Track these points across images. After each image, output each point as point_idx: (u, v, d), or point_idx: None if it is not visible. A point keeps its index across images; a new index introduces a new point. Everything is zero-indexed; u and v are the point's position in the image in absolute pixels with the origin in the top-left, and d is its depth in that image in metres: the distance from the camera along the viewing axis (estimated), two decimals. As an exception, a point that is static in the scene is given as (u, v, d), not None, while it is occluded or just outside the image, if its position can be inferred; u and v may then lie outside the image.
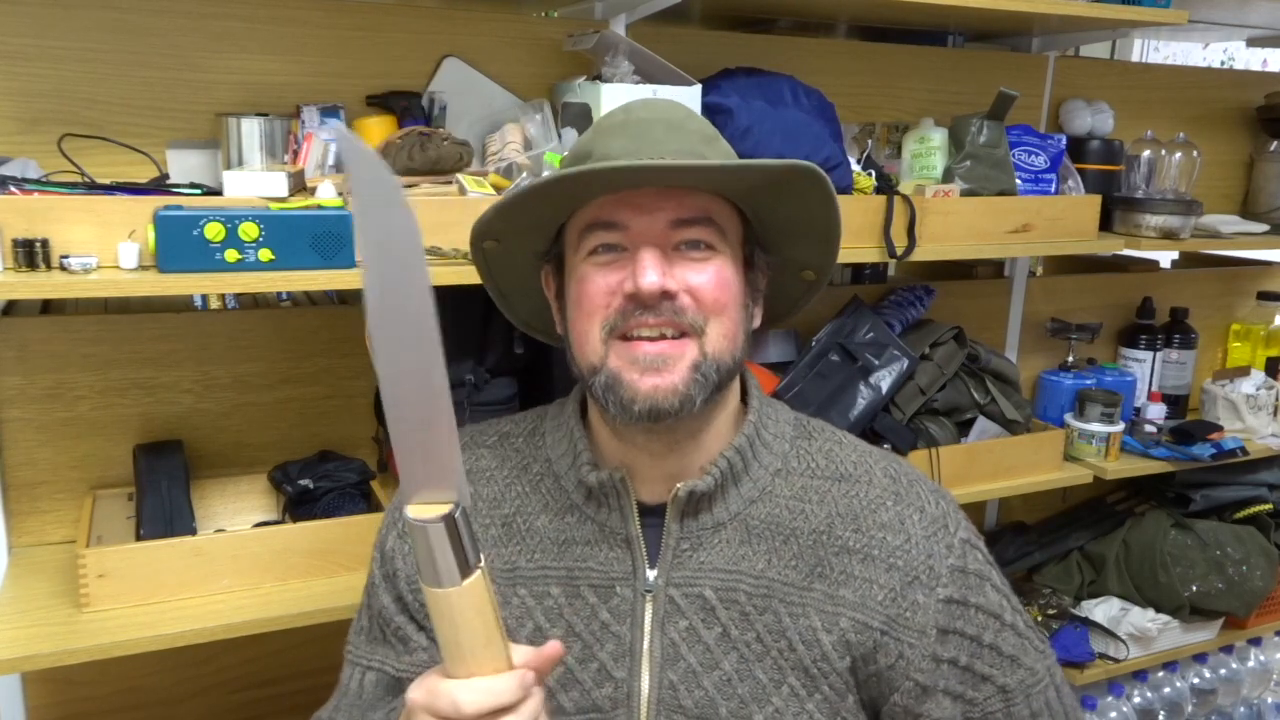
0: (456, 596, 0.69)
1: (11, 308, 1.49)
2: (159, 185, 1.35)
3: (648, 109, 0.93)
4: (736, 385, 0.97)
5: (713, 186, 0.89)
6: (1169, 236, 1.97)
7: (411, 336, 0.64)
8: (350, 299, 1.68)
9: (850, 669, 0.91)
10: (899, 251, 1.64)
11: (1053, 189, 1.88)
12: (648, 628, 0.92)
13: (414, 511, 0.68)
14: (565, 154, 1.46)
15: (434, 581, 0.69)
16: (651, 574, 0.92)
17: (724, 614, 0.91)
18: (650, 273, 0.85)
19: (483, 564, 0.70)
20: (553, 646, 0.76)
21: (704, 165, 0.85)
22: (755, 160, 0.87)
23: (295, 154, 1.43)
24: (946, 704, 0.93)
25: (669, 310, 0.86)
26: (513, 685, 0.71)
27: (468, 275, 1.32)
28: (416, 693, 0.73)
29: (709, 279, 0.88)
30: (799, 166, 0.87)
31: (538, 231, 0.94)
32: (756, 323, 0.97)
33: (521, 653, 0.74)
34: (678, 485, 0.92)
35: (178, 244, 1.18)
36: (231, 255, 1.20)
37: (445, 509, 0.68)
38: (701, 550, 0.92)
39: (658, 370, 0.86)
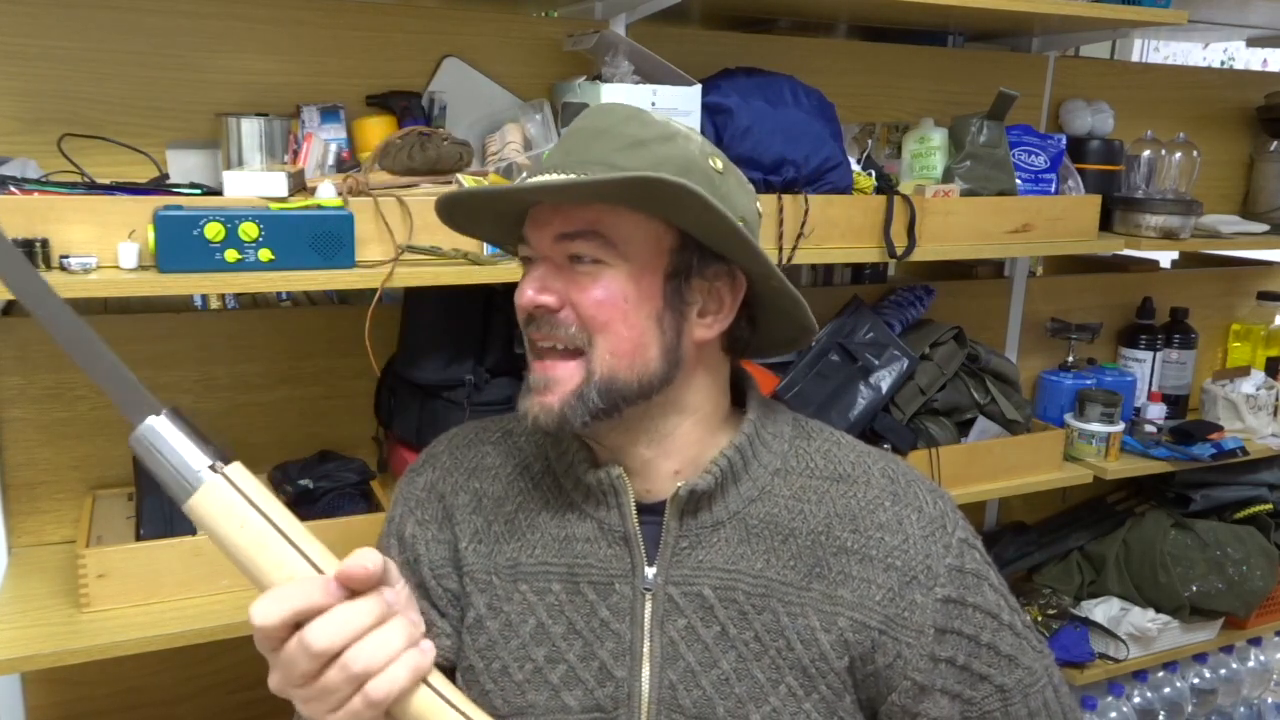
0: (199, 505, 0.67)
1: (11, 308, 1.49)
2: (159, 185, 1.35)
3: (591, 116, 0.92)
4: (709, 384, 0.95)
5: (593, 198, 0.87)
6: (1169, 236, 1.97)
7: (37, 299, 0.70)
8: (351, 299, 1.68)
9: (848, 669, 0.91)
10: (899, 251, 1.64)
11: (1053, 189, 1.88)
12: (647, 626, 0.92)
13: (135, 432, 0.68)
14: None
15: (182, 494, 0.68)
16: (650, 572, 0.93)
17: (722, 613, 0.91)
18: (526, 289, 0.88)
19: (227, 468, 0.68)
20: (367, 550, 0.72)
21: (541, 184, 0.86)
22: (594, 179, 0.83)
23: (295, 154, 1.43)
24: (944, 703, 0.93)
25: (548, 324, 0.89)
26: (312, 587, 0.68)
27: (467, 275, 1.33)
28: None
29: (590, 295, 0.87)
30: (633, 181, 0.83)
31: (498, 232, 0.98)
32: (709, 334, 0.92)
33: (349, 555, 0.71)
34: (678, 484, 0.92)
35: (178, 244, 1.18)
36: (231, 255, 1.20)
37: (154, 416, 0.68)
38: (700, 549, 0.93)
39: (540, 391, 0.90)
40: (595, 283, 0.87)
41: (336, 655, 0.69)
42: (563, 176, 0.85)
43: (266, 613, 0.68)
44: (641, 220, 0.88)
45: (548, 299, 0.88)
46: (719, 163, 0.90)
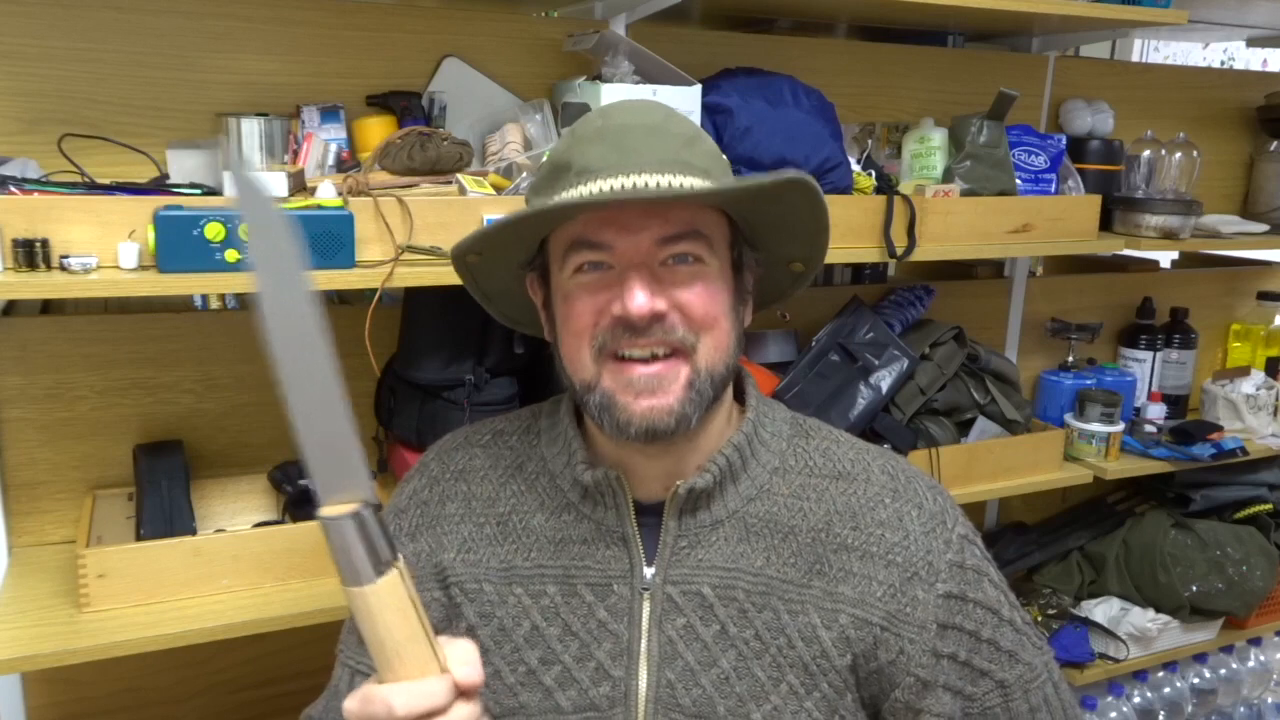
0: (373, 595, 0.69)
1: (11, 308, 1.49)
2: (159, 185, 1.35)
3: (626, 113, 0.90)
4: (730, 384, 0.97)
5: (735, 201, 0.89)
6: (1169, 236, 1.97)
7: (303, 342, 0.69)
8: (351, 299, 1.68)
9: (850, 666, 0.91)
10: (899, 251, 1.64)
11: (1053, 189, 1.88)
12: (645, 626, 0.92)
13: (326, 511, 0.69)
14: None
15: (352, 580, 0.69)
16: (649, 572, 0.92)
17: (722, 611, 0.91)
18: (639, 296, 0.84)
19: (400, 563, 0.71)
20: (470, 650, 0.75)
21: (691, 192, 0.83)
22: (744, 182, 0.84)
23: (295, 154, 1.43)
24: (946, 699, 0.93)
25: (659, 330, 0.86)
26: (444, 687, 0.71)
27: (468, 275, 1.33)
28: (351, 703, 0.73)
29: (698, 295, 0.87)
30: (790, 181, 0.85)
31: (519, 245, 0.93)
32: (748, 321, 0.96)
33: (456, 655, 0.74)
34: (677, 483, 0.92)
35: (178, 244, 1.18)
36: (231, 255, 1.20)
37: (354, 506, 0.69)
38: (699, 548, 0.92)
39: (652, 392, 0.86)
40: (701, 282, 0.87)
41: None
42: (655, 178, 0.83)
43: (409, 706, 0.70)
44: (717, 217, 0.90)
45: (661, 305, 0.85)
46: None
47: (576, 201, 0.83)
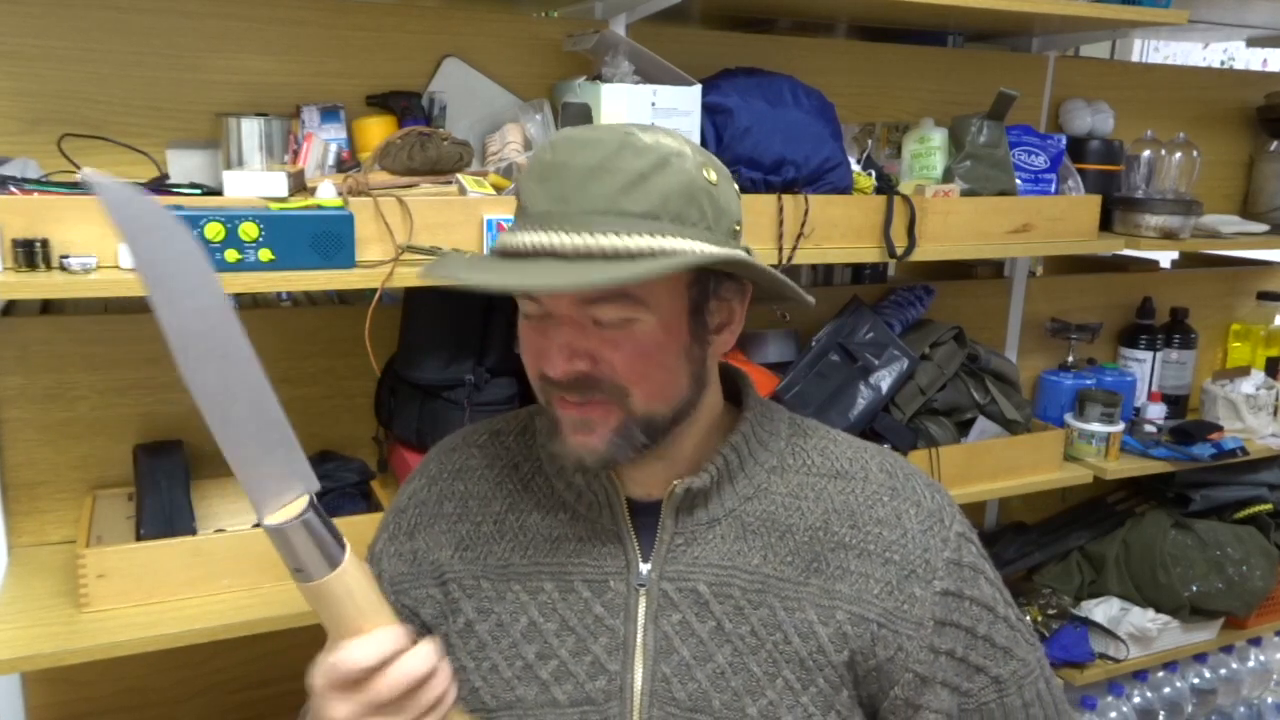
0: (333, 582, 0.72)
1: (11, 308, 1.49)
2: (159, 185, 1.35)
3: (573, 149, 0.83)
4: (713, 391, 0.96)
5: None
6: (1169, 236, 1.97)
7: (217, 350, 0.65)
8: (351, 299, 1.68)
9: (848, 663, 0.91)
10: (899, 251, 1.64)
11: (1053, 189, 1.88)
12: (641, 621, 0.92)
13: (272, 519, 0.69)
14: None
15: (307, 577, 0.71)
16: (645, 568, 0.93)
17: (718, 607, 0.92)
18: (556, 361, 0.84)
19: (347, 546, 0.73)
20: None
21: (570, 288, 0.81)
22: (644, 269, 0.78)
23: (295, 154, 1.43)
24: (944, 695, 0.94)
25: (584, 384, 0.86)
26: (401, 633, 0.76)
27: (468, 275, 1.33)
28: (315, 676, 0.76)
29: (624, 353, 0.85)
30: (652, 271, 0.79)
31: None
32: (725, 348, 0.94)
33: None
34: (675, 483, 0.92)
35: (178, 244, 1.18)
36: (231, 255, 1.20)
37: (299, 508, 0.70)
38: (696, 545, 0.93)
39: (581, 430, 0.87)
40: (628, 340, 0.85)
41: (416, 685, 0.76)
42: (571, 238, 0.80)
43: (371, 653, 0.74)
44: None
45: (582, 365, 0.84)
46: (713, 174, 0.87)
47: (480, 287, 0.81)
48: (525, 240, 0.82)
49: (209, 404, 0.67)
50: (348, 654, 0.74)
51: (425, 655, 0.77)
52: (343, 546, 0.73)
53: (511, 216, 1.36)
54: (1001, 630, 0.97)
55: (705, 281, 0.89)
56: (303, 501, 0.70)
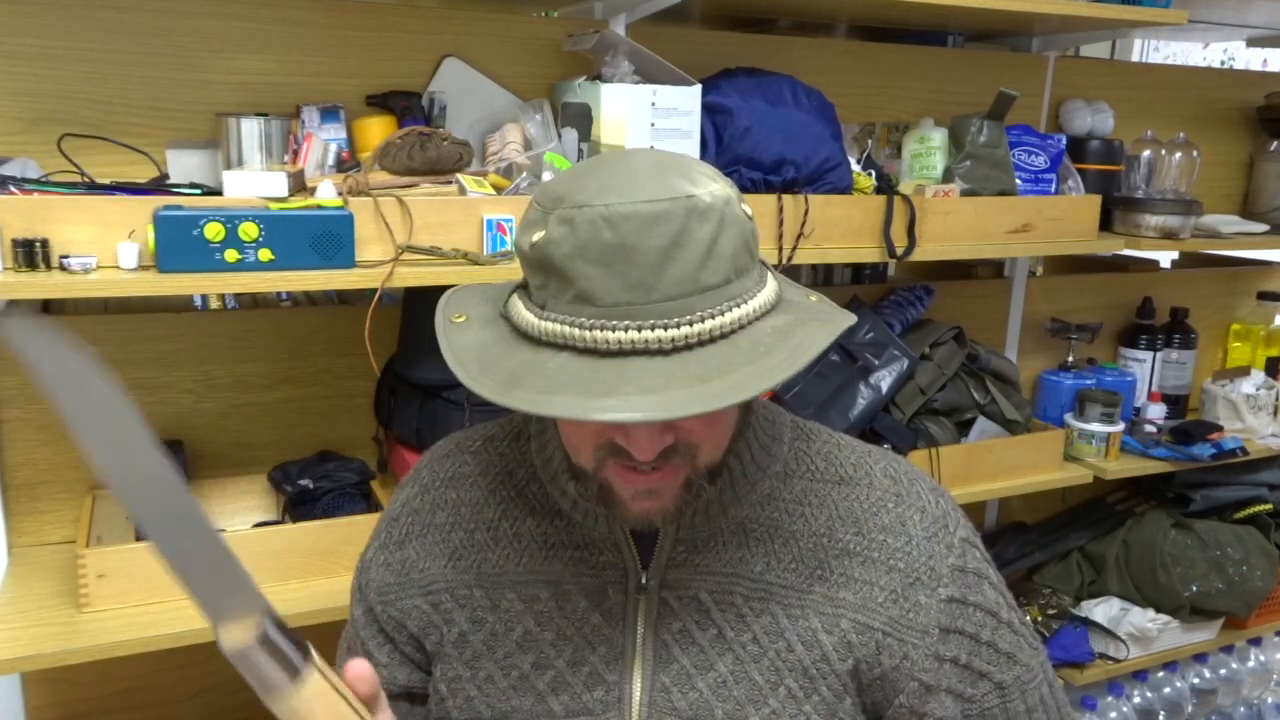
0: (295, 698, 0.70)
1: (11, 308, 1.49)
2: (159, 185, 1.35)
3: (640, 230, 0.75)
4: None
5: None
6: (1169, 236, 1.97)
7: (154, 489, 0.66)
8: (351, 299, 1.68)
9: (852, 671, 0.91)
10: (899, 251, 1.64)
11: (1053, 189, 1.88)
12: (640, 630, 0.91)
13: (229, 642, 0.69)
14: (562, 154, 1.46)
15: (270, 693, 0.70)
16: (644, 576, 0.92)
17: (719, 615, 0.91)
18: (645, 446, 0.80)
19: (311, 654, 0.71)
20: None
21: (687, 415, 0.74)
22: (735, 394, 0.74)
23: (295, 154, 1.43)
24: (948, 702, 0.93)
25: (663, 455, 0.83)
26: None
27: (467, 275, 1.33)
28: None
29: (709, 431, 0.84)
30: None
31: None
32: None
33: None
34: None
35: (177, 244, 1.18)
36: (231, 255, 1.20)
37: (255, 628, 0.69)
38: (697, 553, 0.92)
39: (649, 497, 0.85)
40: (713, 425, 0.84)
41: None
42: (670, 332, 0.75)
43: None
44: None
45: (669, 440, 0.81)
46: (748, 206, 0.83)
47: (577, 418, 0.74)
48: (610, 337, 0.75)
49: (154, 537, 0.68)
50: None
51: None
52: (304, 659, 0.71)
53: (511, 217, 1.36)
54: (1005, 636, 0.96)
55: None
56: (255, 622, 0.70)
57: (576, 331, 0.76)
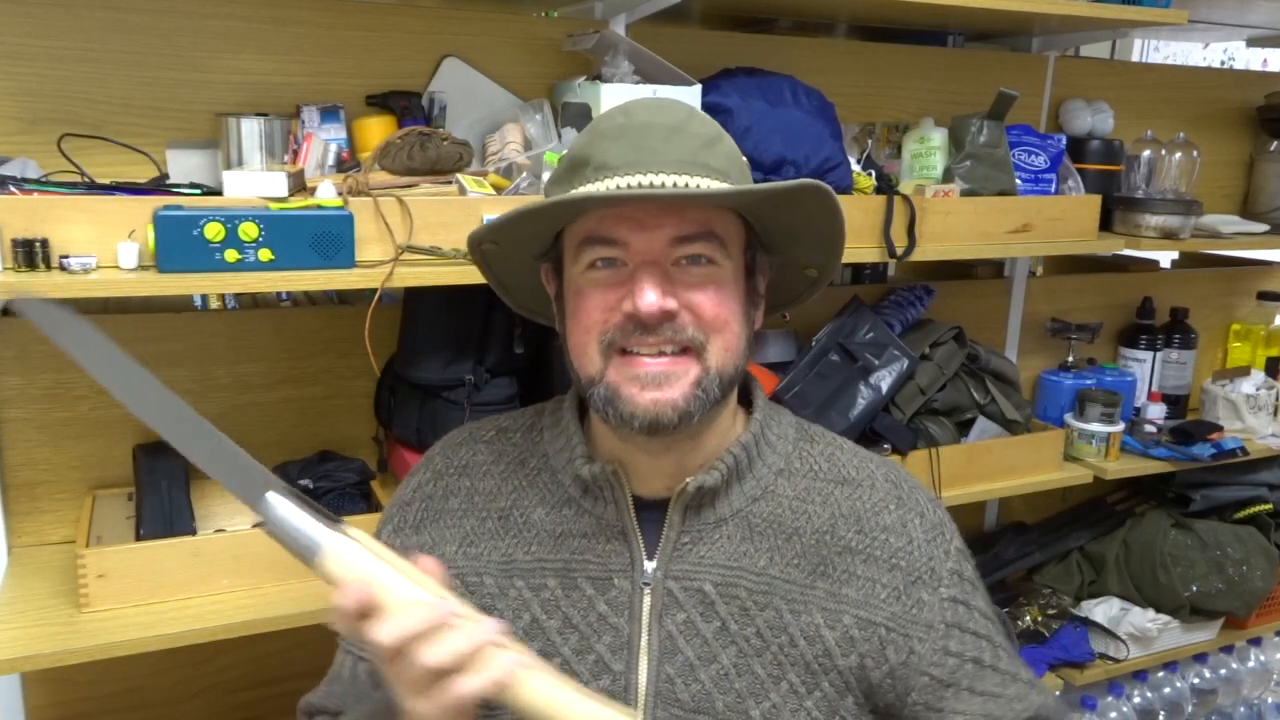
0: (345, 547, 0.75)
1: (11, 308, 1.49)
2: (159, 185, 1.35)
3: (648, 110, 0.89)
4: (737, 386, 0.97)
5: (751, 203, 0.89)
6: (1169, 236, 1.97)
7: (167, 411, 0.79)
8: (351, 299, 1.68)
9: (858, 670, 0.91)
10: (899, 251, 1.64)
11: (1053, 189, 1.88)
12: (645, 620, 0.92)
13: (269, 511, 0.77)
14: (564, 152, 1.46)
15: (313, 549, 0.75)
16: (650, 566, 0.93)
17: (723, 608, 0.92)
18: (649, 294, 0.84)
19: (344, 526, 0.76)
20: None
21: (704, 193, 0.84)
22: (761, 186, 0.85)
23: (295, 154, 1.43)
24: (966, 698, 0.94)
25: (669, 329, 0.86)
26: (437, 600, 0.74)
27: (467, 275, 1.33)
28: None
29: (710, 296, 0.87)
30: (806, 186, 0.86)
31: (534, 237, 0.94)
32: (759, 324, 0.97)
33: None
34: (686, 480, 0.92)
35: (177, 244, 1.18)
36: (231, 255, 1.20)
37: (287, 494, 0.77)
38: (702, 545, 0.93)
39: (659, 386, 0.87)
40: (713, 284, 0.88)
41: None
42: (672, 178, 0.84)
43: (412, 622, 0.73)
44: (732, 220, 0.90)
45: (672, 304, 0.86)
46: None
47: (592, 195, 0.83)
48: (614, 184, 0.85)
49: (180, 446, 0.80)
50: (393, 620, 0.73)
51: (463, 629, 0.74)
52: (337, 521, 0.76)
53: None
54: (1002, 657, 0.99)
55: (754, 247, 0.93)
56: (283, 488, 0.78)
57: (594, 188, 0.85)
